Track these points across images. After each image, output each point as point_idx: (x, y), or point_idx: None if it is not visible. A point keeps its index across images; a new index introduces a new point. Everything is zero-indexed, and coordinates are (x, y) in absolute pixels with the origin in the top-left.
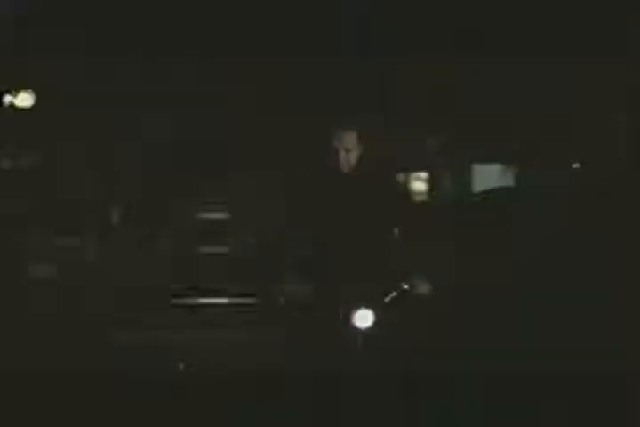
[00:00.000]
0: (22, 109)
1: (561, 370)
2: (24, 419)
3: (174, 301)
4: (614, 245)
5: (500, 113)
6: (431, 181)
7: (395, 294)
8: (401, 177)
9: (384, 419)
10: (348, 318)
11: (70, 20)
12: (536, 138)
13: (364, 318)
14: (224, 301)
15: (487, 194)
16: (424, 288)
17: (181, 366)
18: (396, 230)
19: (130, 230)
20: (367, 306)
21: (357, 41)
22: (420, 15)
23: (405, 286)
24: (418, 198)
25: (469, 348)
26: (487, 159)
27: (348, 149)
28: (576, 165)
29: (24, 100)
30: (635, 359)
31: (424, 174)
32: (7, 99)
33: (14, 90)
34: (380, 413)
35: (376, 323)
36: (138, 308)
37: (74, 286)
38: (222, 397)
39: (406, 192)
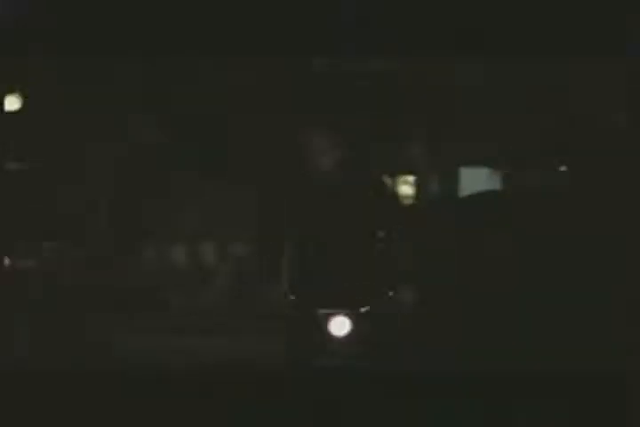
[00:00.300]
0: (10, 113)
1: (561, 370)
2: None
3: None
4: (613, 247)
5: (497, 114)
6: (418, 184)
7: (373, 303)
8: (387, 180)
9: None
10: (325, 325)
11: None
12: (532, 139)
13: (340, 326)
14: None
15: (474, 197)
16: (407, 295)
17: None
18: (380, 235)
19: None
20: (344, 313)
21: (358, 41)
22: (420, 15)
23: (389, 293)
24: (405, 202)
25: (457, 351)
26: (477, 162)
27: (331, 152)
28: (563, 168)
29: (11, 103)
30: (635, 359)
31: (411, 177)
32: None
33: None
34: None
35: (354, 330)
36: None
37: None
38: (220, 397)
39: (393, 196)
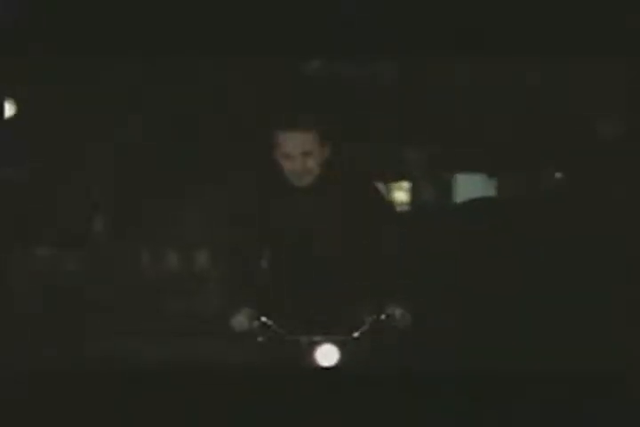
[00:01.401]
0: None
1: (561, 370)
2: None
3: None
4: (611, 248)
5: (498, 114)
6: (412, 191)
7: (367, 326)
8: (381, 187)
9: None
10: (309, 355)
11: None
12: (530, 140)
13: (328, 355)
14: None
15: (470, 204)
16: (404, 319)
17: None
18: (372, 248)
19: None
20: (332, 341)
21: (357, 41)
22: (420, 15)
23: (382, 317)
24: (398, 209)
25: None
26: (474, 167)
27: (307, 153)
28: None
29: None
30: (635, 359)
31: (405, 184)
32: None
33: None
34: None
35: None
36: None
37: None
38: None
39: (386, 204)
